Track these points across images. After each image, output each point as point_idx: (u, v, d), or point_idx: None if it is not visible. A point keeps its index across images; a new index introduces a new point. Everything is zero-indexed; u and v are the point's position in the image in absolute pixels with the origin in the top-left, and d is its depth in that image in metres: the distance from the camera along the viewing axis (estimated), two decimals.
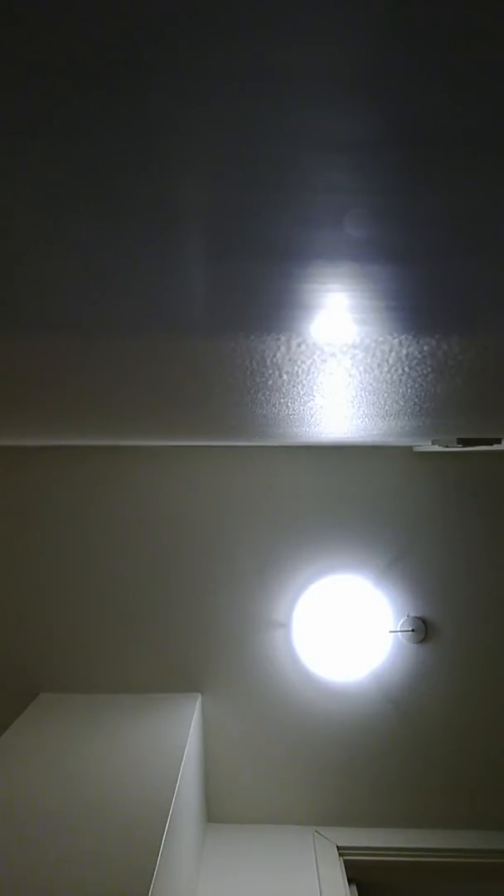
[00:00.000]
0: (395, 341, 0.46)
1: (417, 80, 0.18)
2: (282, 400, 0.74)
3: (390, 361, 0.52)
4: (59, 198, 0.26)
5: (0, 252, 0.31)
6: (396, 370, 0.56)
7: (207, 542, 2.32)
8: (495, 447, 1.52)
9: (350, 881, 2.06)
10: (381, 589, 2.31)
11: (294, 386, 0.64)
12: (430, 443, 1.68)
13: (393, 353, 0.50)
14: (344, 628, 2.28)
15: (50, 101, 0.19)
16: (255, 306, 0.39)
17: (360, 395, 0.72)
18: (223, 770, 2.32)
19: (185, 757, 1.82)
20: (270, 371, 0.56)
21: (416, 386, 0.63)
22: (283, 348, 0.48)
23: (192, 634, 2.32)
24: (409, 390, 0.67)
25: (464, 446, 1.43)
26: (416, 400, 0.74)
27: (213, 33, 0.17)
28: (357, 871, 2.13)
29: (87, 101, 0.19)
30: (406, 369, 0.55)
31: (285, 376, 0.59)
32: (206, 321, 0.43)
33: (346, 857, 2.14)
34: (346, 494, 2.31)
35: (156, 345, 0.49)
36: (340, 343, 0.47)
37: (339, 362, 0.53)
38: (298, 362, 0.53)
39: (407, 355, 0.50)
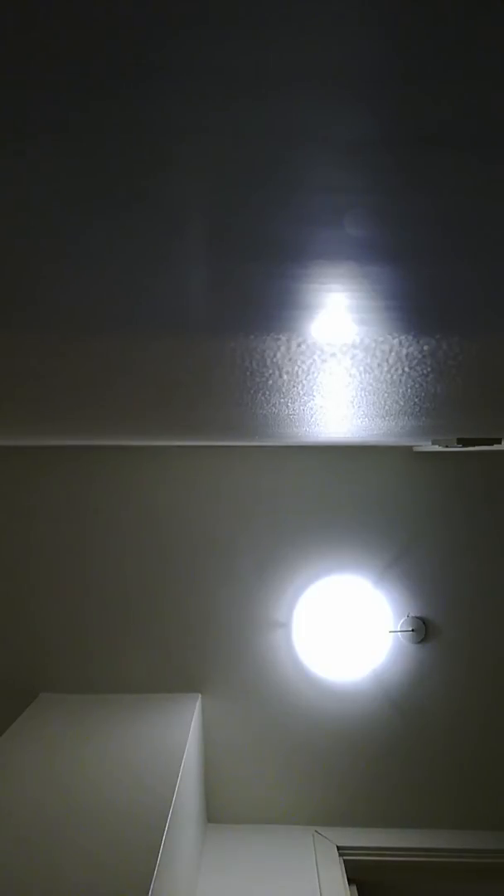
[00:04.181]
0: (395, 341, 0.46)
1: (418, 79, 0.18)
2: (282, 400, 0.74)
3: (390, 361, 0.52)
4: (60, 198, 0.26)
5: (0, 252, 0.31)
6: (396, 370, 0.56)
7: (207, 541, 2.32)
8: (495, 447, 1.53)
9: (350, 881, 2.05)
10: (381, 589, 2.31)
11: (294, 386, 0.64)
12: (430, 443, 1.68)
13: (393, 353, 0.50)
14: (344, 628, 2.28)
15: (49, 102, 0.19)
16: (255, 306, 0.39)
17: (360, 395, 0.72)
18: (223, 770, 2.32)
19: (185, 757, 1.82)
20: (270, 371, 0.56)
21: (416, 386, 0.64)
22: (283, 348, 0.48)
23: (192, 634, 2.31)
24: (409, 390, 0.67)
25: (464, 446, 1.43)
26: (416, 400, 0.74)
27: (213, 32, 0.17)
28: (357, 871, 2.13)
29: (86, 101, 0.19)
30: (406, 369, 0.55)
31: (285, 376, 0.59)
32: (206, 321, 0.43)
33: (346, 857, 2.14)
34: (346, 494, 2.31)
35: (156, 344, 0.49)
36: (340, 343, 0.47)
37: (339, 362, 0.53)
38: (298, 362, 0.53)
39: (407, 355, 0.50)
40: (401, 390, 0.67)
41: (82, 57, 0.17)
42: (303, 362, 0.53)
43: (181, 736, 1.95)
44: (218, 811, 2.32)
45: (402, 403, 0.78)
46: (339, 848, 2.17)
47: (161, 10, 0.16)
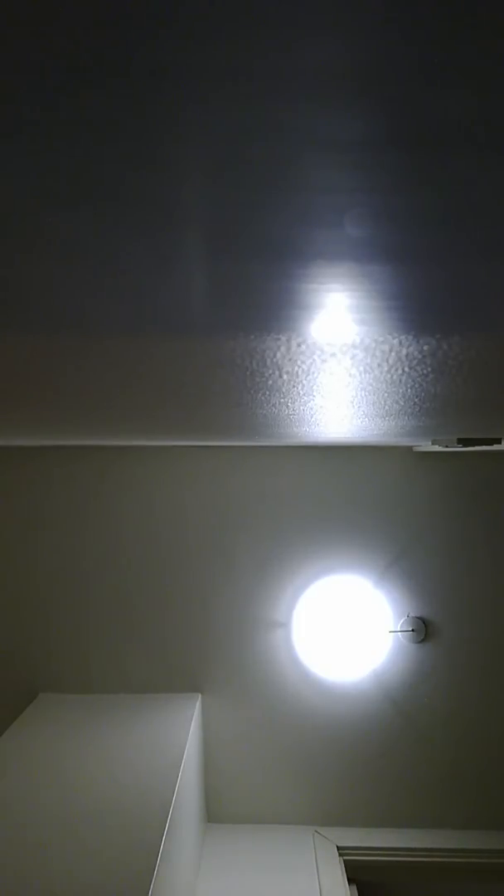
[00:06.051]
0: (395, 341, 0.46)
1: (418, 79, 0.18)
2: (282, 400, 0.74)
3: (390, 361, 0.52)
4: (59, 197, 0.26)
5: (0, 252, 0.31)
6: (396, 370, 0.56)
7: (207, 542, 2.32)
8: (495, 447, 1.53)
9: (350, 881, 2.06)
10: (381, 589, 2.31)
11: (294, 386, 0.64)
12: (430, 443, 1.68)
13: (393, 353, 0.50)
14: (344, 628, 2.28)
15: (49, 101, 0.19)
16: (255, 306, 0.39)
17: (360, 395, 0.72)
18: (223, 770, 2.32)
19: (185, 757, 1.82)
20: (270, 371, 0.56)
21: (416, 386, 0.63)
22: (283, 348, 0.48)
23: (192, 634, 2.31)
24: (409, 390, 0.67)
25: (464, 446, 1.43)
26: (416, 400, 0.74)
27: (212, 31, 0.16)
28: (357, 871, 2.13)
29: (85, 101, 0.19)
30: (406, 369, 0.55)
31: (285, 376, 0.59)
32: (206, 321, 0.43)
33: (346, 857, 2.14)
34: (346, 494, 2.31)
35: (156, 345, 0.49)
36: (340, 343, 0.47)
37: (339, 362, 0.53)
38: (298, 362, 0.53)
39: (407, 355, 0.50)
40: (401, 390, 0.67)
41: (79, 54, 0.17)
42: (303, 362, 0.53)
43: (181, 736, 1.95)
44: (218, 811, 2.32)
45: (402, 403, 0.78)
46: (339, 848, 2.17)
47: (158, 6, 0.16)
